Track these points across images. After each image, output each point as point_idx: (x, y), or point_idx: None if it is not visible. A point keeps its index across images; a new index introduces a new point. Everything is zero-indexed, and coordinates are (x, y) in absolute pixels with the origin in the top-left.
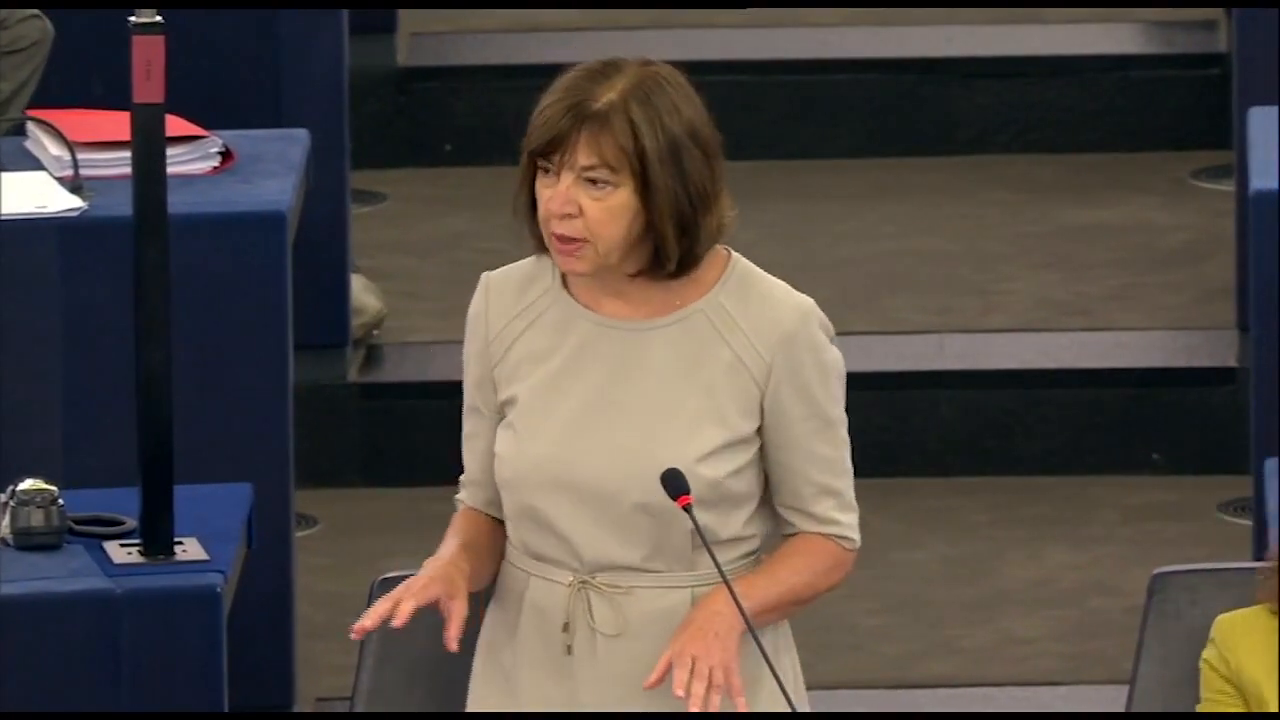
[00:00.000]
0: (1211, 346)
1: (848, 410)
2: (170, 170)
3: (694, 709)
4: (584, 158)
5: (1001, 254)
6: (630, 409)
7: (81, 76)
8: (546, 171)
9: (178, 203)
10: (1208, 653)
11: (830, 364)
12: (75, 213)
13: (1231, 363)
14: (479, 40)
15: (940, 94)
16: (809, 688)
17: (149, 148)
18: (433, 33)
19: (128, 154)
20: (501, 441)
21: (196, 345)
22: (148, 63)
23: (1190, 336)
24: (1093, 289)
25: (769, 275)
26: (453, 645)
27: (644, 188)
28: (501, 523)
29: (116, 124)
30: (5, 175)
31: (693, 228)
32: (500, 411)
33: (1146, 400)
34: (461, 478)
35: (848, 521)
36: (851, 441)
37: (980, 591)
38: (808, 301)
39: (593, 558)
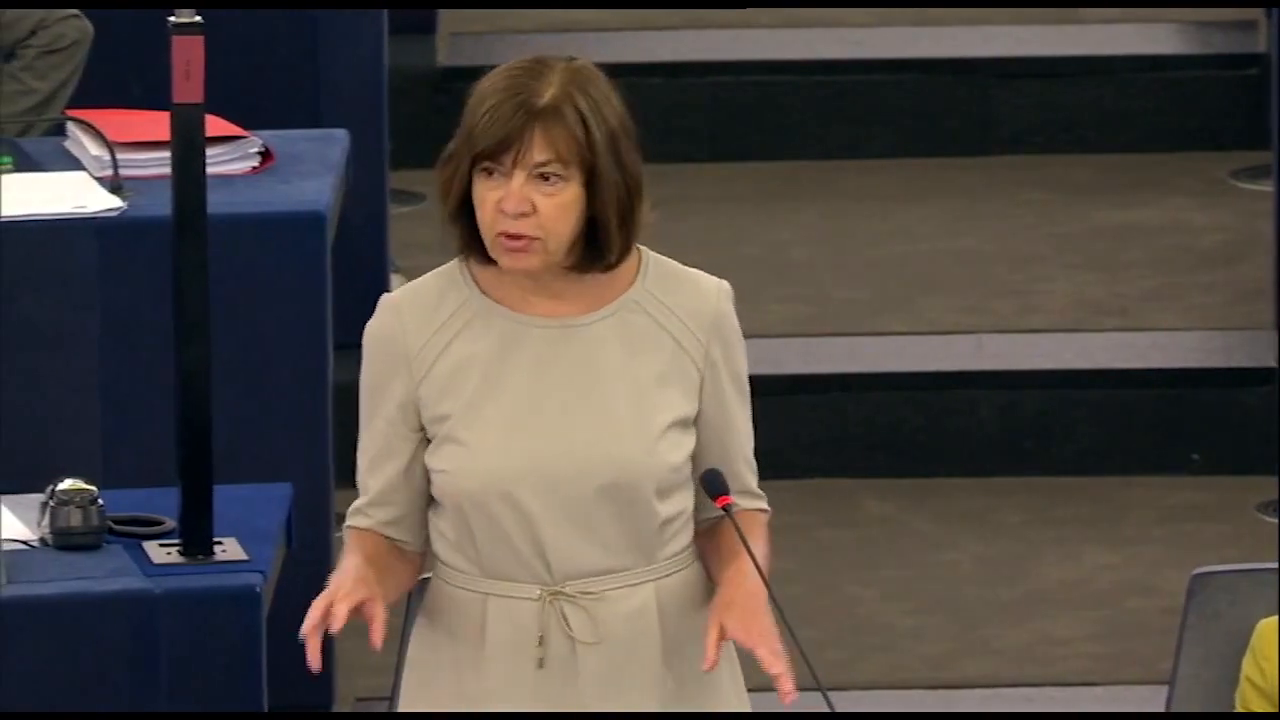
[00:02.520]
0: (1249, 347)
1: (884, 410)
2: (209, 170)
3: (790, 695)
4: (539, 153)
5: (1038, 254)
6: (582, 403)
7: (121, 76)
8: (491, 173)
9: (217, 203)
10: (1247, 664)
11: (742, 338)
12: (114, 213)
13: (1269, 363)
14: (517, 40)
15: (977, 94)
16: (846, 688)
17: (188, 148)
18: (471, 33)
19: (167, 154)
20: (446, 458)
21: (236, 345)
22: (187, 63)
23: (1228, 337)
24: (1130, 289)
25: (673, 260)
26: (378, 643)
27: (591, 179)
28: (395, 544)
29: (156, 124)
30: (45, 175)
31: (630, 218)
32: (427, 429)
33: (1184, 401)
34: (356, 503)
35: (761, 492)
36: (889, 442)
37: (1017, 592)
38: (723, 282)
39: (561, 562)
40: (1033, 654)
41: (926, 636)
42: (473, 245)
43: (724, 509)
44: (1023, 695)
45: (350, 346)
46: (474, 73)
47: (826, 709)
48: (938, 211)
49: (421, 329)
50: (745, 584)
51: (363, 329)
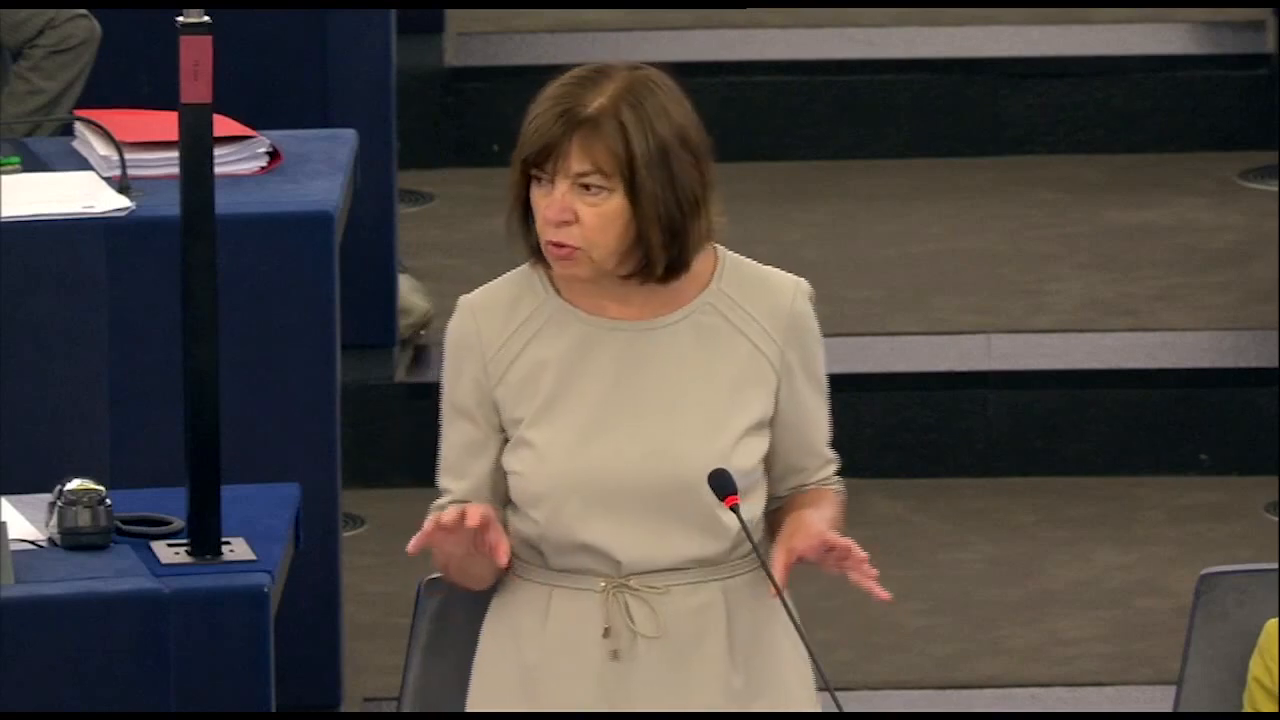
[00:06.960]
0: (1258, 347)
1: (894, 410)
2: (218, 170)
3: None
4: (577, 164)
5: (1048, 254)
6: (655, 406)
7: (129, 76)
8: (540, 180)
9: (225, 203)
10: (1255, 665)
11: (820, 336)
12: (123, 213)
13: (1278, 363)
14: (525, 40)
15: (987, 94)
16: (855, 688)
17: (196, 148)
18: (479, 33)
19: (175, 154)
20: (519, 460)
21: (244, 345)
22: (195, 63)
23: (1237, 337)
24: (1139, 289)
25: (752, 260)
26: (504, 559)
27: (633, 193)
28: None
29: (164, 124)
30: (53, 175)
31: (681, 233)
32: (504, 430)
33: (1193, 401)
34: (440, 501)
35: (838, 476)
36: (899, 442)
37: (1027, 592)
38: (801, 280)
39: (630, 561)
40: (1042, 654)
41: (936, 636)
42: (537, 249)
43: (732, 509)
44: (1032, 695)
45: (358, 347)
46: (482, 73)
47: (835, 709)
48: (948, 211)
49: (498, 332)
50: (806, 519)
51: (370, 329)
